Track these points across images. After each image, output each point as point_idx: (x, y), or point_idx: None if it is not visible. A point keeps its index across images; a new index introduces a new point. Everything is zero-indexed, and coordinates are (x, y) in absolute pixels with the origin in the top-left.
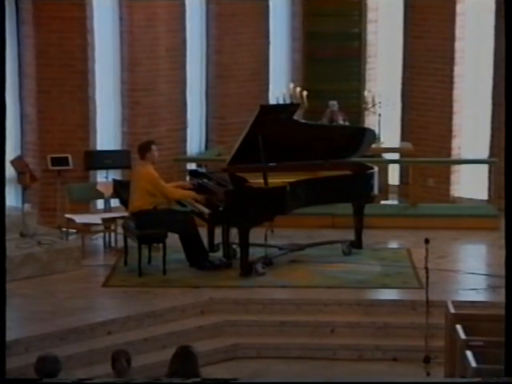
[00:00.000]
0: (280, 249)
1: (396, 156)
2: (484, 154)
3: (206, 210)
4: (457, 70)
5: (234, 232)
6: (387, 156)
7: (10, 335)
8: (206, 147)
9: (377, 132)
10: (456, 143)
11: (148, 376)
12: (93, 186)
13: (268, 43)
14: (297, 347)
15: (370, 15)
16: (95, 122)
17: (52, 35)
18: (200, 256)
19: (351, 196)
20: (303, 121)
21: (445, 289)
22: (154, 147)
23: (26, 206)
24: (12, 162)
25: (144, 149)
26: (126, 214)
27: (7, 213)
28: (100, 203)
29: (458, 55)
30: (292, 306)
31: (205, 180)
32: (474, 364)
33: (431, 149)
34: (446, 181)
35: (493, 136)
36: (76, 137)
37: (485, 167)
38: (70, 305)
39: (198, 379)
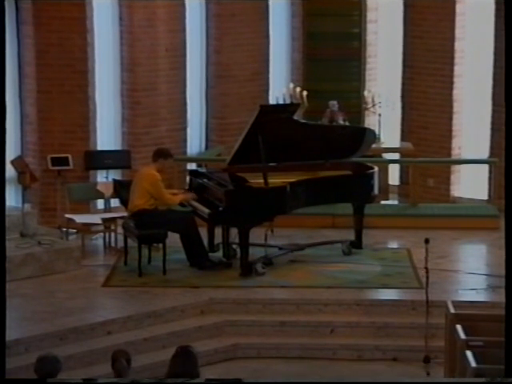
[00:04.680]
0: (280, 249)
1: (396, 156)
2: (484, 153)
3: (206, 210)
4: (457, 69)
5: (234, 232)
6: (387, 156)
7: (10, 335)
8: (206, 147)
9: (377, 132)
10: (456, 143)
11: (148, 376)
12: (93, 185)
13: (268, 43)
14: (297, 347)
15: (370, 15)
16: (95, 122)
17: (52, 35)
18: (200, 256)
19: (351, 196)
20: (303, 121)
21: (445, 289)
22: (170, 160)
23: (26, 205)
24: (12, 162)
25: (161, 155)
26: (126, 214)
27: (7, 213)
28: (100, 203)
29: (457, 55)
30: (292, 306)
31: (205, 180)
32: (473, 364)
33: (431, 149)
34: (446, 181)
35: (493, 136)
36: (76, 137)
37: (485, 167)
38: (69, 305)
39: (202, 380)
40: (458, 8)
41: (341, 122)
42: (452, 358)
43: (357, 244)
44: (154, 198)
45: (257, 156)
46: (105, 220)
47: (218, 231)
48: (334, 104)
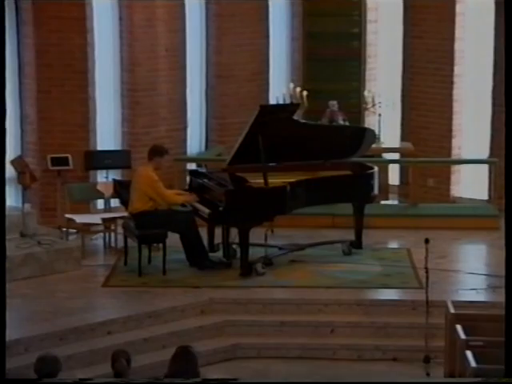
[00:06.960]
0: (280, 249)
1: (396, 156)
2: (484, 153)
3: (206, 210)
4: (457, 69)
5: (234, 232)
6: (387, 156)
7: (10, 335)
8: (206, 147)
9: (377, 132)
10: (456, 143)
11: (148, 376)
12: (93, 186)
13: (268, 43)
14: (297, 347)
15: (370, 15)
16: (95, 122)
17: (52, 35)
18: (200, 256)
19: (351, 196)
20: (303, 121)
21: (445, 289)
22: (165, 156)
23: (26, 205)
24: (12, 162)
25: (156, 152)
26: (126, 214)
27: (7, 213)
28: (100, 203)
29: (457, 55)
30: (292, 306)
31: (205, 180)
32: (473, 364)
33: (431, 149)
34: (446, 181)
35: (493, 136)
36: (76, 137)
37: (485, 167)
38: (70, 305)
39: (199, 379)
40: (458, 8)
41: (341, 122)
42: (452, 357)
43: (357, 244)
44: (154, 199)
45: (257, 156)
46: (105, 220)
47: (218, 231)
48: (333, 104)
